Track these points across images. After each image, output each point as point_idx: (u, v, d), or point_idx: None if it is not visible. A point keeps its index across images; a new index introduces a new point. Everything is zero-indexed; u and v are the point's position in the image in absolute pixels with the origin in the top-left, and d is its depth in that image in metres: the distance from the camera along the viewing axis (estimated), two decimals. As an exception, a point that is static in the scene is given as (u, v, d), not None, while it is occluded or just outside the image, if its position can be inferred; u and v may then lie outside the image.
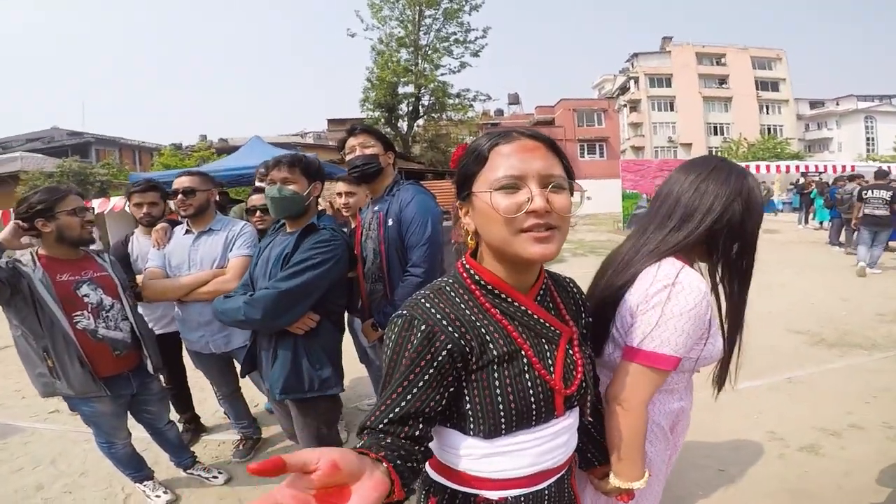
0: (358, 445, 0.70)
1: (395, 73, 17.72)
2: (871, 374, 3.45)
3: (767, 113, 38.96)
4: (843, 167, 16.17)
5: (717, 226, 1.03)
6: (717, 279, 1.11)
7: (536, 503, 0.89)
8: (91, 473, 2.65)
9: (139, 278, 2.46)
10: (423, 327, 0.78)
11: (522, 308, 0.85)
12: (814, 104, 46.07)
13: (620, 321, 1.06)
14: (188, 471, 2.54)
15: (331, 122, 38.95)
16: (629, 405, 1.00)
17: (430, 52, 18.43)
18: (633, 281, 1.06)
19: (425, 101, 19.32)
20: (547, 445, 0.86)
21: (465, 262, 0.88)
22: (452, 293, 0.85)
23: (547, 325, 0.87)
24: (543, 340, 0.87)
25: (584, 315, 1.00)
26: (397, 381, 0.78)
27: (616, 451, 1.03)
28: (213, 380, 2.71)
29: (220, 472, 2.56)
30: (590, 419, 0.99)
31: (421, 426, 0.77)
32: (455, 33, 18.44)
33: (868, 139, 40.71)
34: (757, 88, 38.71)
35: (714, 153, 33.32)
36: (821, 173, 17.61)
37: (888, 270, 7.21)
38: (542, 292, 0.89)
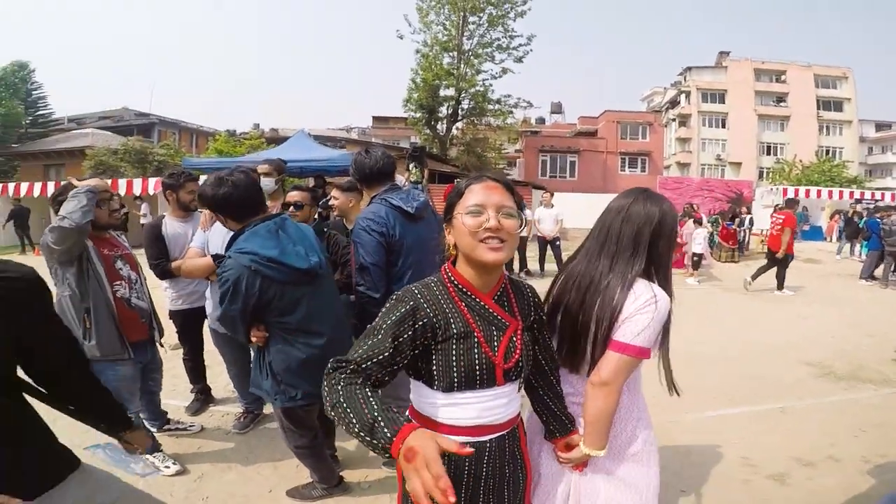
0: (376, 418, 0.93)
1: (437, 75, 17.96)
2: (872, 408, 3.41)
3: (828, 134, 36.94)
4: (901, 196, 15.27)
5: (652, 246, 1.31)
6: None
7: (479, 452, 1.17)
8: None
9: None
10: (410, 303, 1.12)
11: (481, 303, 1.18)
12: (880, 126, 43.24)
13: (604, 326, 1.29)
14: (164, 428, 2.87)
15: (375, 119, 39.61)
16: (614, 387, 1.26)
17: (471, 57, 18.56)
18: (621, 302, 1.28)
19: (465, 104, 19.48)
20: (488, 404, 1.16)
21: (446, 268, 1.21)
22: (434, 287, 1.18)
23: (498, 317, 1.19)
24: (493, 328, 1.18)
25: (534, 313, 1.29)
26: (385, 334, 1.07)
27: (589, 426, 1.30)
28: (226, 357, 2.95)
29: (194, 423, 2.95)
30: (548, 396, 1.33)
31: (388, 375, 1.07)
32: (498, 39, 18.50)
33: (939, 167, 37.86)
34: (818, 108, 36.76)
35: (765, 174, 31.96)
36: (877, 201, 16.67)
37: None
38: (500, 292, 1.22)
